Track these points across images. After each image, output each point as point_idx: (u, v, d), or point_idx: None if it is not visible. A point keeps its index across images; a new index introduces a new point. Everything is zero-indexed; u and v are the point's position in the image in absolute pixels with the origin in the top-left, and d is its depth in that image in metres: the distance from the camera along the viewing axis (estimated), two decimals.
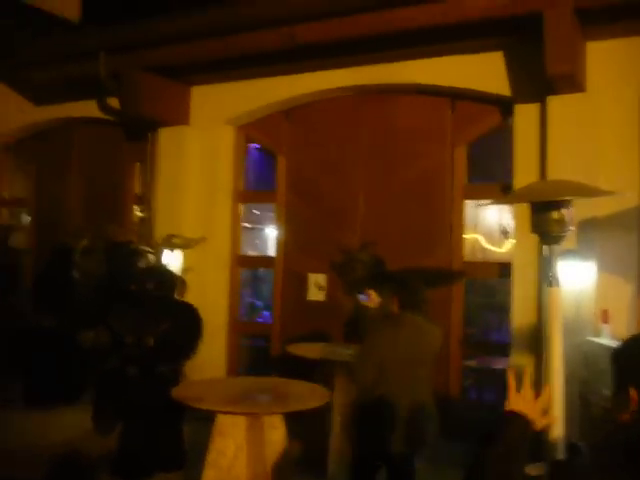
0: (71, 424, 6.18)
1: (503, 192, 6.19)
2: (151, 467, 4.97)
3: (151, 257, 5.88)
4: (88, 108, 7.73)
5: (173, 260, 6.45)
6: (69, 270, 7.08)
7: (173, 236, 6.39)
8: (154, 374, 5.17)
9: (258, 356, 8.06)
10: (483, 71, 6.18)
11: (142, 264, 5.83)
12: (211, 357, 7.02)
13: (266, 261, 8.32)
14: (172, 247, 6.29)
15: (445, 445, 5.80)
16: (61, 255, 7.27)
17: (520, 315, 5.95)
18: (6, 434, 6.01)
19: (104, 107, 7.35)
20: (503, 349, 6.32)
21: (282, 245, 7.55)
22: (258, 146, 8.16)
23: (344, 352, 5.30)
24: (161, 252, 6.13)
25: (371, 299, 4.34)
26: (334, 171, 7.19)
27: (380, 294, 4.24)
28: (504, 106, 6.28)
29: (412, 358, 4.00)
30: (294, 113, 7.48)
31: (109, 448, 5.24)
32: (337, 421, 5.28)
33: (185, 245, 6.55)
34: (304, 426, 5.51)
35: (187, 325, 5.32)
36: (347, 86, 6.95)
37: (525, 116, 6.01)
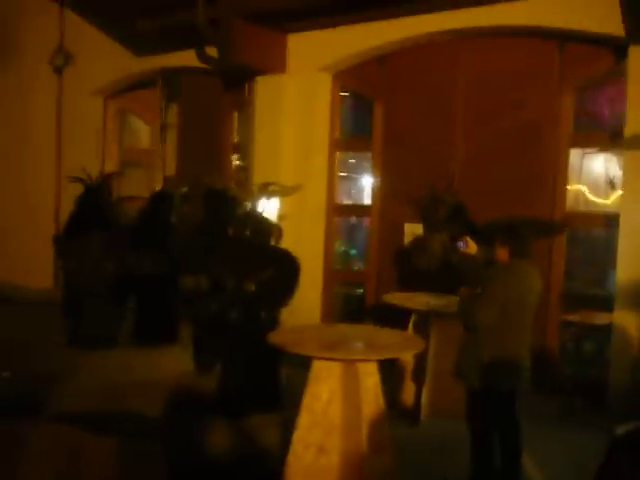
0: (173, 364, 6.48)
1: (612, 140, 5.87)
2: (249, 408, 5.15)
3: (248, 204, 5.98)
4: (187, 58, 7.83)
5: (270, 208, 6.52)
6: (168, 216, 7.31)
7: (269, 184, 6.45)
8: (254, 319, 5.31)
9: (353, 304, 8.11)
10: (595, 10, 5.78)
11: (239, 211, 5.93)
12: (307, 304, 7.13)
13: (362, 210, 8.29)
14: (269, 195, 6.36)
15: (539, 399, 5.72)
16: (160, 201, 7.51)
17: (626, 269, 5.70)
18: (115, 371, 6.38)
19: (202, 55, 7.43)
20: (606, 304, 6.10)
21: (378, 194, 7.50)
22: (353, 94, 8.05)
23: (439, 303, 5.25)
24: (258, 200, 6.21)
25: (469, 246, 4.31)
26: (431, 118, 7.01)
27: (486, 242, 4.21)
28: (617, 48, 5.89)
29: (526, 303, 4.08)
30: (389, 59, 7.31)
31: (209, 388, 5.48)
32: (431, 370, 5.27)
33: (281, 193, 6.60)
34: (398, 375, 5.57)
35: (287, 272, 5.41)
36: (444, 30, 6.69)
37: None
